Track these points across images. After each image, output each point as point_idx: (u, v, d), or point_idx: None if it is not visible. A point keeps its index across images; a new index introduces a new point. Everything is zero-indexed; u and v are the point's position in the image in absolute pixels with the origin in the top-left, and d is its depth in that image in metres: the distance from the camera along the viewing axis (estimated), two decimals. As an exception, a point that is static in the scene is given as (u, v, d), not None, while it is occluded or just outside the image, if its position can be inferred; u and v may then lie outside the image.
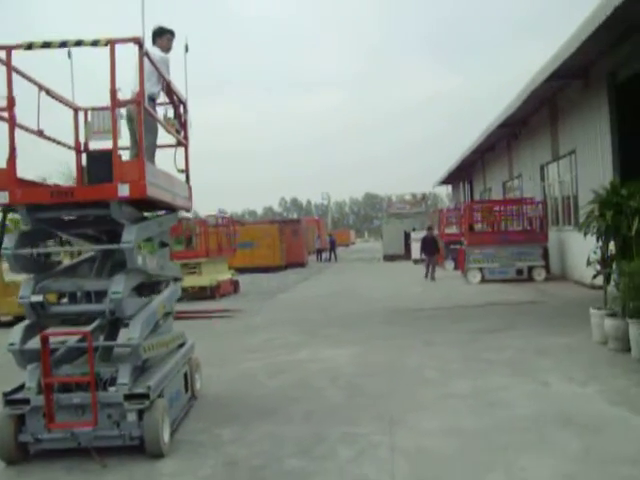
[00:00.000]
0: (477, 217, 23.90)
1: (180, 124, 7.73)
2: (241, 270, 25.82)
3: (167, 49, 7.35)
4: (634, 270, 8.49)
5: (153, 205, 6.96)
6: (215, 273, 20.80)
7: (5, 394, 5.92)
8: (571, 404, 6.67)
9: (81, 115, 7.23)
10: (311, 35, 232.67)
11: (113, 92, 5.74)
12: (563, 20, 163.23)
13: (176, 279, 7.79)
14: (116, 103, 5.84)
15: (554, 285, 18.93)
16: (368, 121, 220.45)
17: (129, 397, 5.72)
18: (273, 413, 6.92)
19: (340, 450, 5.63)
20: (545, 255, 21.02)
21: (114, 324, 6.85)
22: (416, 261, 35.20)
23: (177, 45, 7.43)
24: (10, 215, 6.40)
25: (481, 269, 21.20)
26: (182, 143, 7.79)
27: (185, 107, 7.85)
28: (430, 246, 23.74)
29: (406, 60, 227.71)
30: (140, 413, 5.75)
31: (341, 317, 14.48)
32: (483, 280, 20.98)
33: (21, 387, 6.08)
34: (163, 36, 7.35)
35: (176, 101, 7.65)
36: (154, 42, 7.26)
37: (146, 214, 7.15)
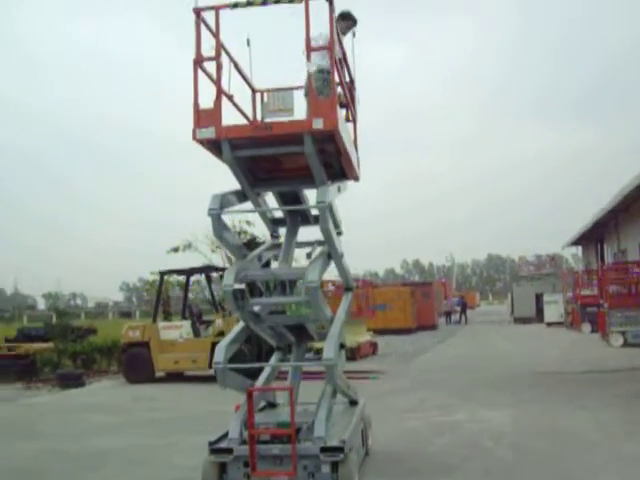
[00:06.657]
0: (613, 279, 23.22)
1: (350, 100, 7.73)
2: (374, 332, 26.26)
3: (342, 33, 7.36)
4: None
5: (328, 162, 6.88)
6: (354, 335, 21.38)
7: (211, 443, 6.33)
8: None
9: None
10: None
11: (307, 41, 6.13)
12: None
13: (348, 288, 7.59)
14: (310, 49, 6.17)
15: None
16: (484, 178, 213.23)
17: (325, 450, 6.00)
18: (451, 469, 7.26)
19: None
20: (693, 319, 20.30)
21: (299, 343, 7.35)
22: (549, 324, 34.60)
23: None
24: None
25: (623, 332, 20.78)
26: (352, 118, 7.82)
27: (354, 84, 7.92)
28: None
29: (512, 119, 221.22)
30: (334, 465, 5.99)
31: (486, 380, 14.66)
32: (625, 344, 20.53)
33: (224, 436, 6.50)
34: (346, 21, 7.51)
35: (346, 80, 7.55)
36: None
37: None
